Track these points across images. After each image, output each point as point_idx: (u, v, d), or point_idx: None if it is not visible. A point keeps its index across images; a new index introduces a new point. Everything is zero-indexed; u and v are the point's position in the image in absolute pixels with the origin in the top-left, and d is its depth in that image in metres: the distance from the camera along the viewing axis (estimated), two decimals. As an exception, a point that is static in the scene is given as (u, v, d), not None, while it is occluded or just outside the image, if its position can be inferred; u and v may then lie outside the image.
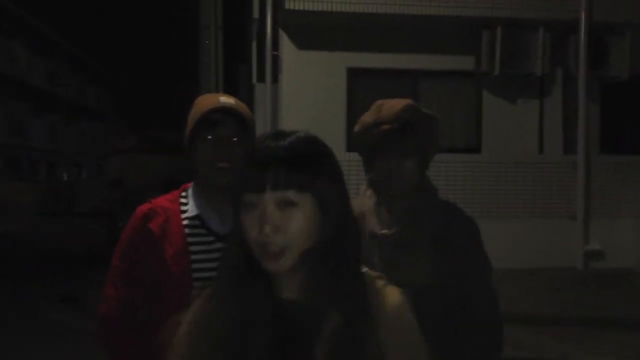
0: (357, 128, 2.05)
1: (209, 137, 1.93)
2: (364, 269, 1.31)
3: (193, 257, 1.92)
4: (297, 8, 8.18)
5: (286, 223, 1.17)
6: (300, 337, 1.20)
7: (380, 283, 1.30)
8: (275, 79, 8.92)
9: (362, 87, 8.79)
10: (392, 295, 1.29)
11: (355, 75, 8.75)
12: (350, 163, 10.34)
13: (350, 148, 8.68)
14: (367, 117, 2.02)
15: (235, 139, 1.94)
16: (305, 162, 1.19)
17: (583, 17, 8.48)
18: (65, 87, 33.69)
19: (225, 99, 2.01)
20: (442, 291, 1.91)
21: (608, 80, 8.92)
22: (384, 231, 1.96)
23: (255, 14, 9.24)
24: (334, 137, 8.58)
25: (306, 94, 8.59)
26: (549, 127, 8.97)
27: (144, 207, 2.01)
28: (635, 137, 9.09)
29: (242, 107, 2.01)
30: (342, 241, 1.22)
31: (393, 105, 2.00)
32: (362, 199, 2.06)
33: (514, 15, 8.42)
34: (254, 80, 9.63)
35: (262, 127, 8.84)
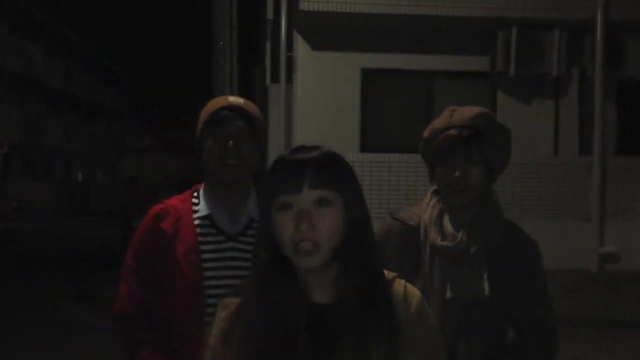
0: (426, 133, 2.00)
1: (217, 134, 1.97)
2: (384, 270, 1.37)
3: (203, 256, 1.95)
4: (311, 9, 8.19)
5: (321, 220, 1.25)
6: (334, 341, 1.24)
7: (401, 282, 1.36)
8: (290, 79, 8.94)
9: (376, 87, 8.79)
10: (414, 294, 1.35)
11: (369, 75, 8.75)
12: (364, 164, 10.29)
13: (364, 148, 8.69)
14: (438, 123, 1.98)
15: (243, 136, 1.97)
16: (338, 167, 1.30)
17: (599, 16, 8.43)
18: (81, 87, 33.94)
19: (234, 99, 2.06)
20: (494, 308, 1.89)
21: (625, 80, 8.86)
22: (444, 243, 1.91)
23: (270, 15, 9.26)
24: (348, 138, 8.58)
25: (320, 94, 8.60)
26: (564, 127, 8.92)
27: (156, 208, 2.05)
28: (652, 138, 9.01)
29: (251, 106, 2.04)
30: (363, 241, 1.30)
31: (465, 111, 1.95)
32: (425, 209, 2.01)
33: (529, 16, 8.38)
34: (268, 81, 9.65)
35: (276, 127, 8.86)
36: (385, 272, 1.36)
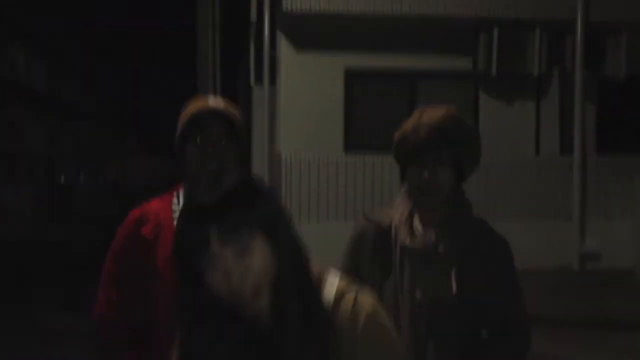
0: (396, 136, 2.01)
1: (197, 138, 1.93)
2: (334, 280, 1.31)
3: None
4: (294, 9, 8.19)
5: (248, 270, 1.14)
6: None
7: (349, 299, 1.28)
8: (273, 80, 8.93)
9: (360, 87, 8.80)
10: (362, 310, 1.27)
11: (353, 76, 8.76)
12: (347, 164, 10.26)
13: (348, 149, 8.70)
14: (407, 124, 1.98)
15: (223, 141, 1.94)
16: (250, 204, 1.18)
17: (579, 17, 8.51)
18: (64, 90, 33.69)
19: (213, 102, 2.00)
20: (465, 308, 1.89)
21: (605, 80, 8.94)
22: (413, 243, 1.92)
23: (253, 15, 9.25)
24: (332, 138, 8.59)
25: (304, 95, 8.60)
26: (545, 127, 8.98)
27: (135, 212, 2.02)
28: (632, 137, 9.10)
29: (231, 109, 2.01)
30: (297, 271, 1.22)
31: (434, 112, 1.96)
32: (395, 210, 2.01)
33: (510, 16, 8.44)
34: (252, 82, 9.64)
35: (260, 128, 8.86)
36: (335, 287, 1.29)
